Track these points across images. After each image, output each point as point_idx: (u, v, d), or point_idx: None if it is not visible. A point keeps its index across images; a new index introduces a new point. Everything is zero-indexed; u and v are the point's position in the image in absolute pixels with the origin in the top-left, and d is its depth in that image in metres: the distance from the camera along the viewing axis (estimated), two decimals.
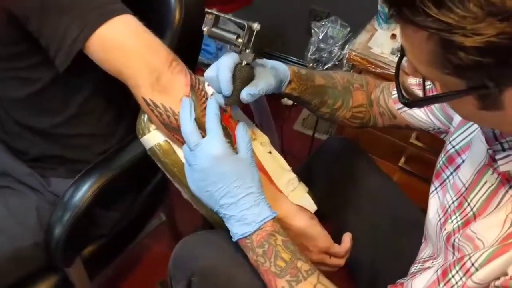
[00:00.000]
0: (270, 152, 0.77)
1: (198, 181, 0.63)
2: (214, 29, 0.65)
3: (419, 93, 0.73)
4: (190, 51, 0.97)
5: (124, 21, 0.68)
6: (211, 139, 0.63)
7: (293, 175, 0.79)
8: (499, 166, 0.55)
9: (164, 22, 0.92)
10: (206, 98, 0.69)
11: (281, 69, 0.72)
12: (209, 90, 0.70)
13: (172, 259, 0.69)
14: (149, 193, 1.06)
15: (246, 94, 0.64)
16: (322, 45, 1.18)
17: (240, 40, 0.63)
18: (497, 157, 0.55)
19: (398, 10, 0.42)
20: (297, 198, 0.77)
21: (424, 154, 1.25)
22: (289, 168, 0.79)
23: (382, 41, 1.09)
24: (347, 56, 1.06)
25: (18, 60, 0.77)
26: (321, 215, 1.01)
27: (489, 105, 0.45)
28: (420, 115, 0.82)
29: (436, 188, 0.72)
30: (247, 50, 0.64)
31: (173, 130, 0.68)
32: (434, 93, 0.47)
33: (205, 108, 0.67)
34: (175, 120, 0.67)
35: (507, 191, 0.55)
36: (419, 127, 0.84)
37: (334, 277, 0.76)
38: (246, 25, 0.63)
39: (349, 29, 1.19)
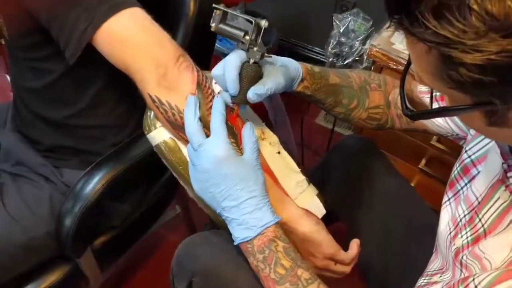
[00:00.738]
0: (279, 153, 0.76)
1: (201, 182, 0.62)
2: (221, 26, 0.63)
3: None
4: (204, 44, 0.96)
5: (132, 15, 0.67)
6: (215, 139, 0.61)
7: (302, 177, 0.77)
8: (511, 184, 0.51)
9: (178, 14, 0.91)
10: (213, 96, 0.67)
11: (292, 66, 0.69)
12: (216, 88, 0.69)
13: (174, 258, 0.69)
14: (162, 186, 1.06)
15: (253, 93, 0.62)
16: (343, 39, 1.14)
17: (247, 37, 0.61)
18: (509, 174, 0.51)
19: (398, 19, 0.39)
20: (306, 200, 0.75)
21: (445, 157, 1.21)
22: (298, 169, 0.77)
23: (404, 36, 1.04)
24: (367, 51, 1.02)
25: (33, 51, 0.78)
26: (335, 215, 1.00)
27: (497, 122, 0.42)
28: (439, 120, 0.78)
29: (449, 199, 0.69)
30: (255, 48, 0.62)
31: (178, 128, 0.66)
32: (440, 106, 0.44)
33: (211, 106, 0.65)
34: (180, 118, 0.65)
35: None
36: (437, 132, 0.81)
37: (344, 279, 0.74)
38: (253, 21, 0.60)
39: (371, 22, 1.14)
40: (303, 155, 1.63)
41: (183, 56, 0.67)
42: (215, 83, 0.68)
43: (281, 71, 0.66)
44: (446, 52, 0.36)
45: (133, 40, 0.66)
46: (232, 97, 0.63)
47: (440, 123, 0.78)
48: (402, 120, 0.83)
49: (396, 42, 1.06)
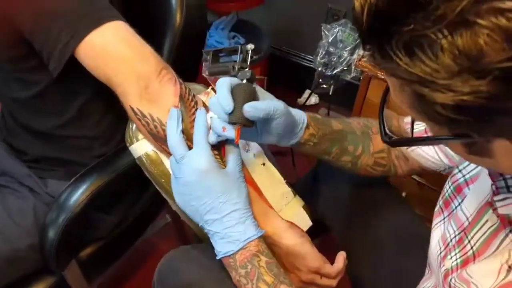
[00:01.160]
0: (263, 164, 0.75)
1: (183, 195, 0.61)
2: (212, 67, 0.64)
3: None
4: (191, 54, 0.96)
5: (115, 28, 0.67)
6: (197, 152, 0.61)
7: (287, 189, 0.76)
8: (497, 208, 0.50)
9: (165, 25, 0.91)
10: (196, 109, 0.67)
11: (296, 112, 0.66)
12: (200, 100, 0.68)
13: (156, 273, 0.68)
14: (150, 196, 1.06)
15: (248, 106, 0.58)
16: (331, 49, 1.14)
17: (236, 61, 0.62)
18: (495, 198, 0.50)
19: (370, 52, 0.37)
20: (291, 212, 0.75)
21: None
22: (283, 181, 0.76)
23: None
24: (355, 61, 1.01)
25: (20, 62, 0.78)
26: (324, 226, 0.99)
27: (478, 152, 0.41)
28: (430, 154, 0.76)
29: (444, 218, 0.67)
30: (245, 69, 0.62)
31: (160, 140, 0.66)
32: (420, 136, 0.43)
33: (194, 119, 0.65)
34: (162, 131, 0.65)
35: (507, 235, 0.50)
36: (432, 169, 0.78)
37: None
38: (239, 47, 0.62)
39: None
40: (295, 163, 1.62)
41: (166, 69, 0.67)
42: (199, 94, 0.68)
43: (282, 103, 0.63)
44: (418, 90, 0.35)
45: (115, 54, 0.66)
46: (229, 116, 0.59)
47: (434, 159, 0.76)
48: (400, 161, 0.80)
49: None
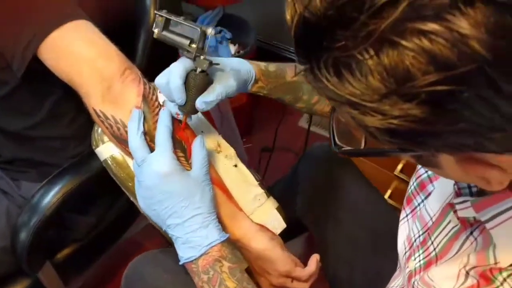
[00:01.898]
0: (236, 166, 0.73)
1: (145, 199, 0.60)
2: (164, 33, 0.60)
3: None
4: (166, 53, 0.94)
5: (77, 27, 0.65)
6: (158, 154, 0.59)
7: (260, 191, 0.74)
8: (457, 211, 0.49)
9: (139, 22, 0.89)
10: (160, 110, 0.65)
11: (244, 69, 0.66)
12: (161, 97, 0.66)
13: (123, 278, 0.67)
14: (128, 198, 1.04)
15: (201, 102, 0.59)
16: None
17: (193, 45, 0.59)
18: (455, 200, 0.49)
19: (304, 69, 0.35)
20: (264, 214, 0.74)
21: None
22: (256, 182, 0.75)
23: None
24: None
25: None
26: (303, 226, 0.98)
27: (426, 163, 0.39)
28: None
29: (407, 215, 0.66)
30: (202, 57, 0.59)
31: (124, 143, 0.64)
32: (367, 147, 0.41)
33: (157, 120, 0.63)
34: (126, 133, 0.63)
35: (467, 237, 0.49)
36: None
37: None
38: (199, 28, 0.58)
39: None
40: (281, 159, 1.61)
41: (130, 68, 0.65)
42: (159, 92, 0.65)
43: (232, 75, 0.64)
44: (349, 112, 0.33)
45: (77, 53, 0.64)
46: (179, 107, 0.61)
47: None
48: None
49: None
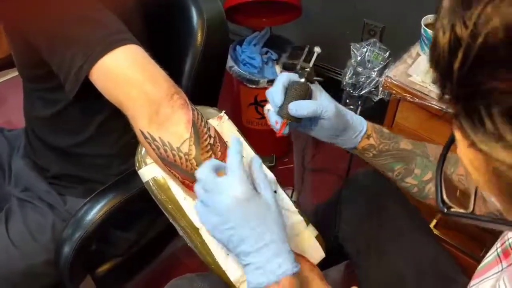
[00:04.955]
0: (275, 192, 0.72)
1: (216, 224, 0.57)
2: (286, 61, 0.67)
3: None
4: (212, 76, 0.95)
5: (128, 52, 0.67)
6: (233, 178, 0.57)
7: (300, 218, 0.73)
8: None
9: (186, 45, 0.90)
10: (209, 136, 0.65)
11: (354, 117, 0.67)
12: (266, 108, 0.69)
13: None
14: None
15: (293, 106, 0.63)
16: (359, 69, 1.10)
17: (300, 59, 0.67)
18: None
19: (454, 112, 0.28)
20: (303, 243, 0.72)
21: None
22: (295, 209, 0.73)
23: (423, 68, 0.98)
24: (383, 82, 0.97)
25: (41, 82, 0.80)
26: (342, 254, 0.94)
27: None
28: None
29: (502, 269, 0.55)
30: (306, 69, 0.65)
31: (170, 164, 0.65)
32: (485, 214, 0.36)
33: (206, 145, 0.64)
34: (172, 155, 0.64)
35: None
36: None
37: None
38: (307, 48, 0.67)
39: (388, 53, 1.09)
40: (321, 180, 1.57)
41: (178, 93, 0.66)
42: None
43: (335, 106, 0.66)
44: None
45: (126, 77, 0.66)
46: (278, 110, 0.65)
47: None
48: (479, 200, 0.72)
49: (413, 74, 1.00)
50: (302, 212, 0.74)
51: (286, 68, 0.68)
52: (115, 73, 0.66)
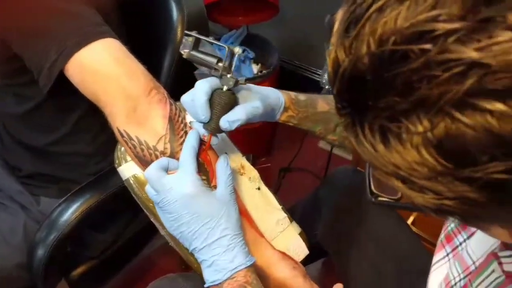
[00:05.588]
0: (259, 188, 0.71)
1: (170, 221, 0.58)
2: (193, 52, 0.60)
3: None
4: (192, 71, 0.93)
5: (104, 46, 0.64)
6: (183, 174, 0.57)
7: (283, 215, 0.72)
8: (503, 264, 0.45)
9: (166, 41, 0.88)
10: (185, 132, 0.63)
11: (273, 96, 0.65)
12: (189, 118, 0.65)
13: None
14: (146, 216, 1.03)
15: (225, 121, 0.58)
16: None
17: (220, 64, 0.58)
18: (501, 253, 0.45)
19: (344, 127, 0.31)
20: (287, 240, 0.71)
21: None
22: (279, 206, 0.72)
23: None
24: None
25: (13, 77, 0.77)
26: (324, 251, 0.95)
27: (473, 225, 0.37)
28: None
29: (447, 254, 0.61)
30: (229, 75, 0.58)
31: (146, 164, 0.63)
32: (407, 202, 0.38)
33: (182, 142, 0.62)
34: (149, 154, 0.62)
35: None
36: None
37: None
38: (226, 48, 0.57)
39: None
40: (299, 180, 1.58)
41: (156, 89, 0.64)
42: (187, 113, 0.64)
43: (259, 98, 0.62)
44: (394, 184, 0.29)
45: (103, 72, 0.63)
46: (204, 125, 0.60)
47: None
48: None
49: None
50: (285, 209, 0.73)
51: (193, 61, 0.61)
52: (92, 67, 0.64)
